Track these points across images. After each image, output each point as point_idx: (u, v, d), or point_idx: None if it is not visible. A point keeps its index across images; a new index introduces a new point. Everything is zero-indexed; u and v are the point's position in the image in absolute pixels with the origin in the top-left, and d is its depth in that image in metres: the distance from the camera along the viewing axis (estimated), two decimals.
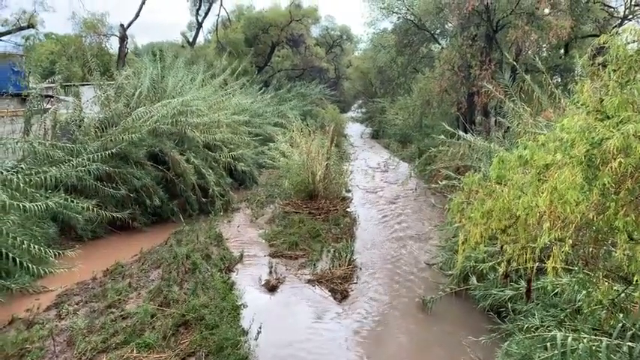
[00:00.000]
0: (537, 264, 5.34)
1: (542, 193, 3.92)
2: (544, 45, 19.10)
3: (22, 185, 8.29)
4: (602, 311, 5.22)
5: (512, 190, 4.55)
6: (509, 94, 11.12)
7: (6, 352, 6.78)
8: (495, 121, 17.98)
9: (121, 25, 27.65)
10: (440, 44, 25.18)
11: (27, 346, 6.96)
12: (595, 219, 3.85)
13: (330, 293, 9.53)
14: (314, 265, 10.81)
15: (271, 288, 9.70)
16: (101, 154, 11.11)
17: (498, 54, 18.91)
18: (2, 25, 15.02)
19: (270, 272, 10.35)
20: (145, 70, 16.69)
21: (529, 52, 18.27)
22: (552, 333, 5.48)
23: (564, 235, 3.91)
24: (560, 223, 3.90)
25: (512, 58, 15.82)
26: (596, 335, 5.08)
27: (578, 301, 5.77)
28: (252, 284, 9.84)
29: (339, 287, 9.65)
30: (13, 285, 8.25)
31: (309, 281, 10.06)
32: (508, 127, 11.47)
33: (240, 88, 25.24)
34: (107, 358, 6.74)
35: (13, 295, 8.31)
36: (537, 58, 12.89)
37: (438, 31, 24.71)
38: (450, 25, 22.63)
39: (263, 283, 9.89)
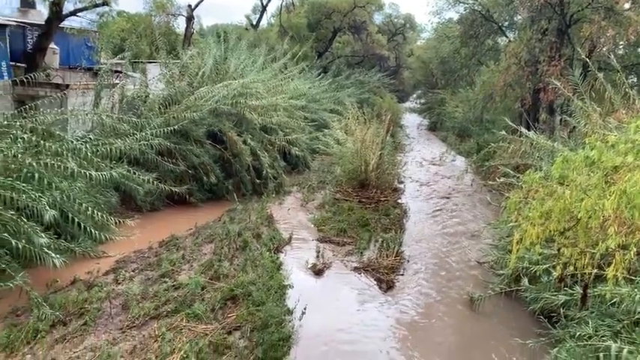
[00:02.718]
0: (596, 270, 5.13)
1: (610, 196, 3.73)
2: (621, 42, 17.97)
3: (89, 155, 8.73)
4: None
5: (574, 191, 4.37)
6: (578, 92, 10.57)
7: (68, 309, 7.25)
8: (561, 120, 17.16)
9: (189, 6, 28.36)
10: (507, 37, 24.24)
11: (86, 306, 7.40)
12: None
13: (375, 282, 9.53)
14: (361, 253, 10.82)
15: (317, 272, 9.81)
16: (163, 130, 11.51)
17: (569, 49, 17.97)
18: (79, 2, 15.78)
19: (317, 256, 10.45)
20: (209, 50, 17.12)
21: (604, 48, 17.24)
22: (607, 343, 5.25)
23: (629, 241, 3.72)
24: (625, 228, 3.71)
25: (584, 54, 14.99)
26: None
27: (639, 312, 5.48)
28: (299, 266, 9.98)
29: (385, 277, 9.61)
30: (76, 248, 8.74)
31: (355, 268, 10.09)
32: (574, 127, 10.94)
33: (299, 73, 25.38)
34: (158, 325, 7.06)
35: (76, 258, 8.80)
36: (612, 56, 12.16)
37: (506, 23, 23.78)
38: (519, 17, 21.70)
39: (310, 266, 10.01)
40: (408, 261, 10.65)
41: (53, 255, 7.17)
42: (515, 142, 11.37)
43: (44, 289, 7.79)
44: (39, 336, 6.60)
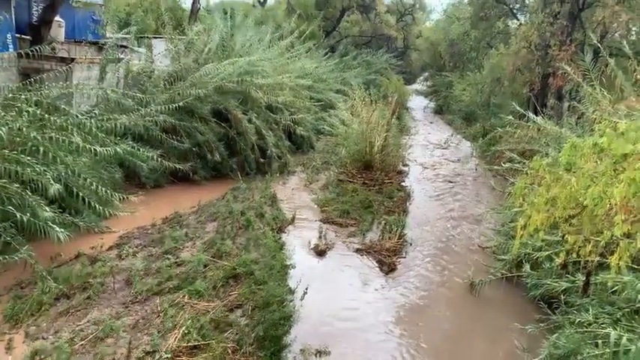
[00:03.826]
0: (599, 258, 5.12)
1: (619, 183, 3.69)
2: (634, 28, 17.66)
3: (94, 130, 8.69)
4: None
5: (581, 178, 4.32)
6: (588, 77, 10.42)
7: (71, 283, 7.31)
8: (569, 106, 16.97)
9: None
10: (518, 20, 23.89)
11: (90, 280, 7.46)
12: None
13: (377, 264, 9.56)
14: (364, 234, 10.84)
15: (320, 252, 9.84)
16: (168, 107, 11.44)
17: (581, 34, 17.70)
18: None
19: (320, 237, 10.47)
20: (216, 27, 16.94)
21: (616, 34, 16.98)
22: (606, 331, 5.27)
23: (635, 230, 3.69)
24: (631, 217, 3.68)
25: (596, 39, 14.73)
26: None
27: (639, 301, 5.49)
28: (301, 246, 10.01)
29: (387, 260, 9.64)
30: (80, 222, 8.74)
31: (357, 250, 10.11)
32: (582, 114, 10.81)
33: (306, 52, 25.08)
34: (160, 300, 7.11)
35: (80, 232, 8.80)
36: (625, 42, 11.95)
37: (518, 5, 23.43)
38: (531, 0, 21.37)
39: (312, 246, 10.04)
40: (411, 244, 10.67)
41: (57, 229, 7.19)
42: (522, 128, 11.27)
43: (48, 263, 7.86)
44: (43, 308, 6.66)
